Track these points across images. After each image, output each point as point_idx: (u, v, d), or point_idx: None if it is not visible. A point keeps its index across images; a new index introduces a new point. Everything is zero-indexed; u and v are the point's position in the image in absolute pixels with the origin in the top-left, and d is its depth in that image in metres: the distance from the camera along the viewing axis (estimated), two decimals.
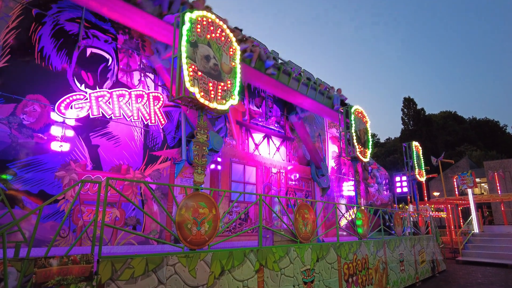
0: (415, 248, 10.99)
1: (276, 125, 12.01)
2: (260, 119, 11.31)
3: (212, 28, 5.65)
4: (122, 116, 7.26)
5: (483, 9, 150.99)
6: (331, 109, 11.84)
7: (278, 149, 11.83)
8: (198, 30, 5.40)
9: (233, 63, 5.96)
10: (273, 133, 11.76)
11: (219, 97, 5.45)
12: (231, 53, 5.94)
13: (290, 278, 5.65)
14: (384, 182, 18.37)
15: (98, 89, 7.01)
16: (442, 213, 22.34)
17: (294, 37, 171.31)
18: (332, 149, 14.68)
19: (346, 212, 12.59)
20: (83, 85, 6.86)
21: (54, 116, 6.24)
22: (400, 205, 20.71)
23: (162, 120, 7.94)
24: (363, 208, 8.87)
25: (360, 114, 11.17)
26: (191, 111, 5.28)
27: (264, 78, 9.42)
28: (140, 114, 7.56)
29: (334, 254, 6.94)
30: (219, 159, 9.27)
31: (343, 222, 12.78)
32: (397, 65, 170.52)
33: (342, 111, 10.72)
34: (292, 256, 5.84)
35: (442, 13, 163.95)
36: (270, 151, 11.53)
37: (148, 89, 7.93)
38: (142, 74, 7.94)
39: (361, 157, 10.10)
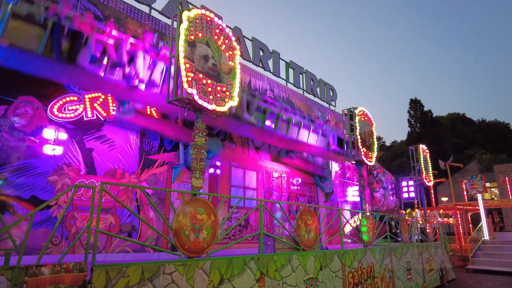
0: (422, 256, 10.95)
1: None
2: None
3: (211, 27, 5.67)
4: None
5: (491, 8, 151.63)
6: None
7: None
8: (197, 29, 5.42)
9: (233, 64, 5.98)
10: None
11: (218, 99, 5.45)
12: (230, 53, 5.96)
13: (293, 287, 5.64)
14: (390, 187, 18.34)
15: (92, 91, 7.03)
16: (450, 219, 22.27)
17: (298, 34, 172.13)
18: None
19: (351, 218, 12.55)
20: (77, 86, 6.87)
21: (46, 118, 6.25)
22: (407, 211, 20.66)
23: None
24: (368, 214, 8.85)
25: (365, 117, 11.17)
26: (189, 112, 5.28)
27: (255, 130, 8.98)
28: None
29: (338, 262, 6.92)
30: (218, 163, 9.27)
31: (347, 229, 12.74)
32: (403, 65, 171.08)
33: (346, 112, 10.73)
34: (295, 265, 5.82)
35: (449, 11, 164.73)
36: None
37: None
38: None
39: (366, 161, 10.09)
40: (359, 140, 10.06)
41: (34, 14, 5.27)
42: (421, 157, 14.55)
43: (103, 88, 6.56)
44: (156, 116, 7.86)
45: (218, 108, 5.46)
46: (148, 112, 7.73)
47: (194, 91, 5.10)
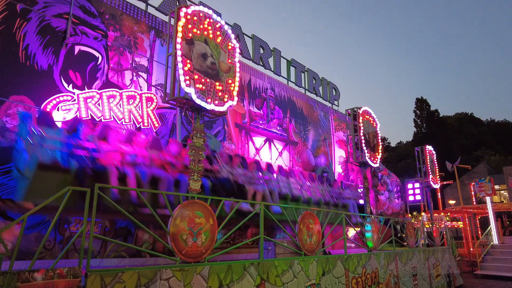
0: (429, 261, 10.94)
1: (278, 128, 12.03)
2: (261, 122, 11.33)
3: (209, 24, 5.68)
4: (112, 119, 7.28)
5: (500, 5, 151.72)
6: None
7: (280, 153, 11.84)
8: (194, 26, 5.44)
9: (232, 62, 5.99)
10: (275, 137, 11.78)
11: (216, 98, 5.46)
12: (229, 51, 5.97)
13: None
14: (395, 189, 18.35)
15: (86, 90, 7.05)
16: (458, 223, 22.26)
17: (299, 32, 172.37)
18: (339, 154, 14.68)
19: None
20: (70, 85, 6.89)
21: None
22: (413, 214, 20.66)
23: (155, 122, 7.96)
24: (373, 217, 8.85)
25: (369, 116, 11.18)
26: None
27: None
28: (132, 116, 7.58)
29: (341, 268, 6.92)
30: None
31: (351, 233, 12.73)
32: (408, 63, 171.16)
33: (349, 112, 10.74)
34: (296, 270, 5.82)
35: (456, 8, 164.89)
36: (272, 156, 11.53)
37: (141, 90, 7.96)
38: (134, 74, 7.98)
39: (370, 162, 10.10)
40: (363, 141, 10.07)
41: None
42: (428, 158, 14.54)
43: None
44: (153, 119, 7.88)
45: (217, 108, 5.47)
46: (146, 117, 7.74)
47: (192, 91, 5.11)
